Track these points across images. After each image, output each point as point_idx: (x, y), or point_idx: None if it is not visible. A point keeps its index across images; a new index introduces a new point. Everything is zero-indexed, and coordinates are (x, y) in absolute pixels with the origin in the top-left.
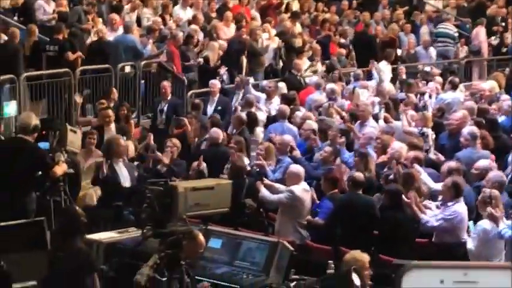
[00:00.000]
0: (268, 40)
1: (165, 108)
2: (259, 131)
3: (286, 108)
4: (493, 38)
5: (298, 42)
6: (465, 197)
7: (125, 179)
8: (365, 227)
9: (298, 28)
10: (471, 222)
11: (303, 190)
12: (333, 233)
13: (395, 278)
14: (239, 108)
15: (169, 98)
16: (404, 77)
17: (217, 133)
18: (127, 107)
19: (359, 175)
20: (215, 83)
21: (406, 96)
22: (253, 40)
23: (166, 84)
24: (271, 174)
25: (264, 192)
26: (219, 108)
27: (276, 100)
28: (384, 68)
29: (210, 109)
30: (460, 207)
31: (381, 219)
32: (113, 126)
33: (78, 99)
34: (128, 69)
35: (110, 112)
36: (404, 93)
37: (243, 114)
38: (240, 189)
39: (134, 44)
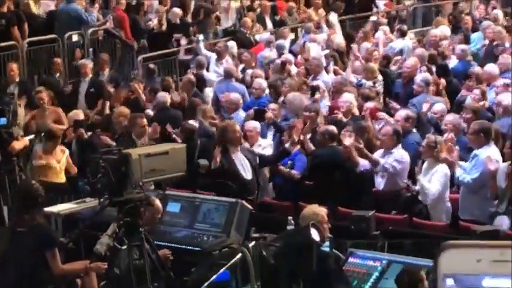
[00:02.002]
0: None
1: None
2: (209, 91)
3: (231, 68)
4: None
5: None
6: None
7: (246, 170)
8: (340, 180)
9: None
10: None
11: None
12: (303, 186)
13: (434, 258)
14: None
15: (88, 77)
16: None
17: (165, 97)
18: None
19: (333, 128)
20: (86, 64)
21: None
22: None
23: (87, 63)
24: None
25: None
26: (92, 90)
27: (227, 59)
28: (334, 20)
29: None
30: (403, 152)
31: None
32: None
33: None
34: (75, 38)
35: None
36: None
37: (192, 76)
38: (193, 151)
39: (78, 12)
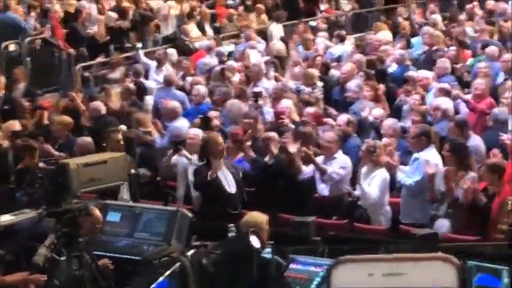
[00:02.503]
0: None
1: None
2: (149, 99)
3: (171, 75)
4: None
5: (186, 7)
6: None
7: (230, 184)
8: (283, 187)
9: None
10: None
11: None
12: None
13: (326, 272)
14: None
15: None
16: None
17: (99, 105)
18: None
19: (274, 134)
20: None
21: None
22: (140, 8)
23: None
24: (159, 141)
25: None
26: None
27: (167, 67)
28: (274, 28)
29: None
30: (346, 158)
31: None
32: None
33: None
34: (12, 47)
35: None
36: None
37: (131, 84)
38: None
39: (15, 21)
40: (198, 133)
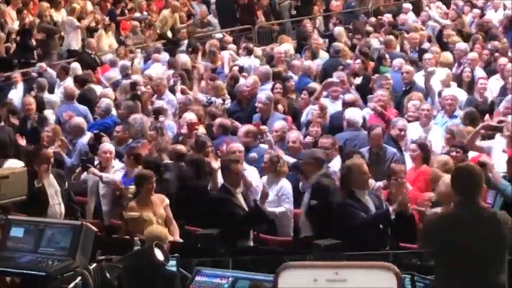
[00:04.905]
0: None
1: None
2: (49, 113)
3: (71, 89)
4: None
5: (90, 20)
6: None
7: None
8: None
9: (89, 6)
10: None
11: None
12: None
13: (274, 277)
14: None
15: None
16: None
17: None
18: None
19: (181, 147)
20: None
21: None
22: (43, 22)
23: None
24: (67, 160)
25: None
26: None
27: (69, 81)
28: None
29: None
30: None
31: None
32: None
33: None
34: None
35: None
36: (205, 62)
37: (31, 98)
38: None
39: None
40: (111, 148)
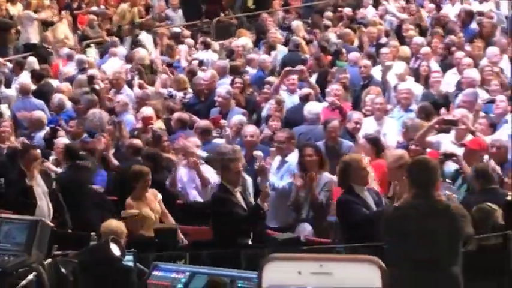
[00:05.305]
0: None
1: None
2: (4, 108)
3: (26, 84)
4: None
5: (47, 14)
6: None
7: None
8: None
9: (46, 1)
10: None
11: None
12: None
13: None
14: None
15: None
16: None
17: None
18: None
19: (138, 141)
20: None
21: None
22: None
23: None
24: None
25: None
26: None
27: (24, 75)
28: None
29: None
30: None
31: None
32: None
33: None
34: None
35: None
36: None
37: None
38: None
39: None
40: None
